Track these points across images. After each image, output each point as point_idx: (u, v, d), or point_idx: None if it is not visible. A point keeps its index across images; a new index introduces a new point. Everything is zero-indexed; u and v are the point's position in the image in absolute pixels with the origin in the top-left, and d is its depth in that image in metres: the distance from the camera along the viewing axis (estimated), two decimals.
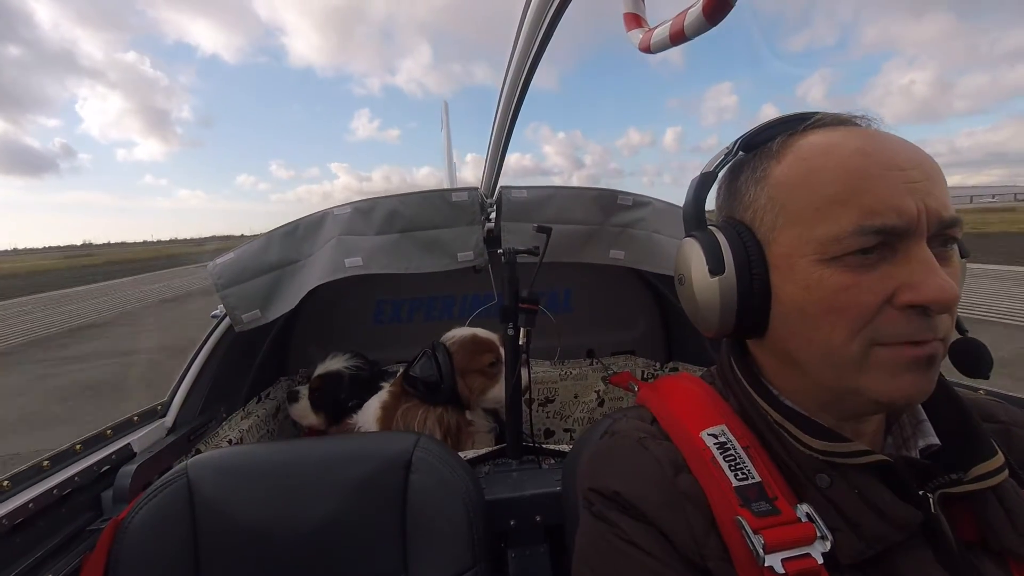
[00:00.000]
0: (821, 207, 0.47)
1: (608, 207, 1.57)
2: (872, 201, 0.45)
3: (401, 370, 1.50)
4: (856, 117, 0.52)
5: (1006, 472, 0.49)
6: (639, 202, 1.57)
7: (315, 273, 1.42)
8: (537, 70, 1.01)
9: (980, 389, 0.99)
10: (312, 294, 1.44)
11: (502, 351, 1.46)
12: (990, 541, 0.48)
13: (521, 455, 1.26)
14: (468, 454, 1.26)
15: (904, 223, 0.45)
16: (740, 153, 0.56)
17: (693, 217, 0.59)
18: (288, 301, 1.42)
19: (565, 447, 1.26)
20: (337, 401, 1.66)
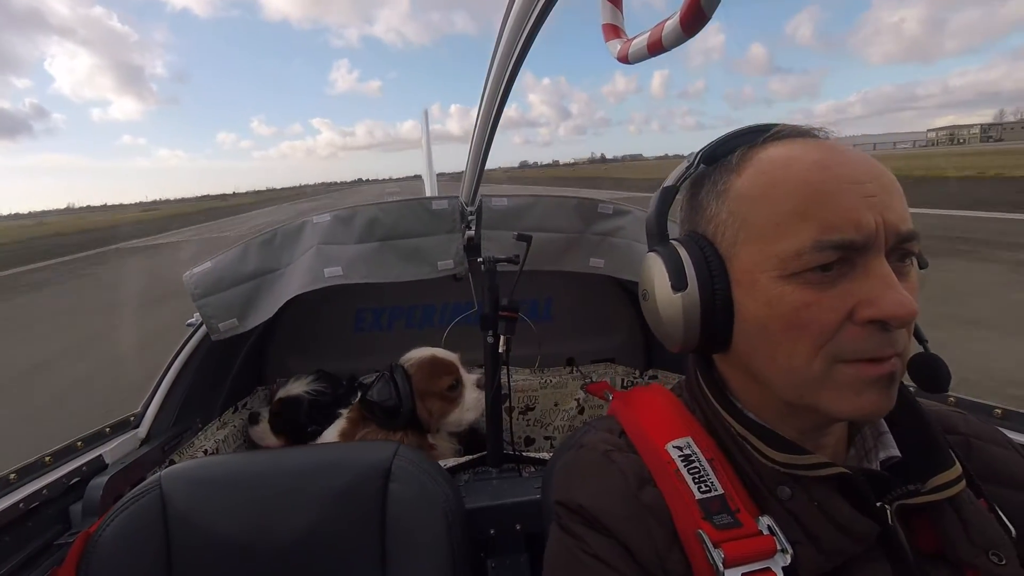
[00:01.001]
0: (781, 222, 0.47)
1: (588, 216, 1.58)
2: (830, 215, 0.45)
3: (359, 394, 1.45)
4: (814, 129, 0.53)
5: (963, 483, 0.50)
6: (619, 211, 1.59)
7: (294, 283, 1.41)
8: (521, 72, 1.00)
9: (951, 397, 1.01)
10: (291, 302, 1.42)
11: (463, 373, 1.44)
12: (947, 552, 0.49)
13: (501, 463, 1.26)
14: (448, 462, 1.25)
15: (862, 238, 0.45)
16: (701, 166, 0.56)
17: (656, 231, 0.59)
18: (266, 310, 1.41)
19: (545, 455, 1.26)
20: (297, 426, 1.64)
